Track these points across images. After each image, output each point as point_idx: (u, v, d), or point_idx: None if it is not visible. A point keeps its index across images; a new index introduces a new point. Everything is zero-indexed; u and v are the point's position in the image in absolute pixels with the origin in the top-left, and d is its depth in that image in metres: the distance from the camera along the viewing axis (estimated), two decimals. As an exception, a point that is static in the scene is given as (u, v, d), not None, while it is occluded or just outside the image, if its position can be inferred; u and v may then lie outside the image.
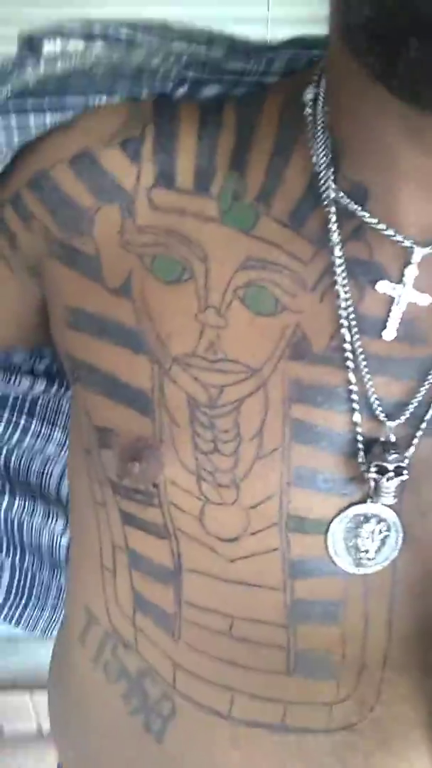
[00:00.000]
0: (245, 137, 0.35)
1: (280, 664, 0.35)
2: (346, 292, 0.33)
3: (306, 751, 0.35)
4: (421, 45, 0.24)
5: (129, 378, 0.35)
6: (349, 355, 0.33)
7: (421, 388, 0.34)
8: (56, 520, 0.54)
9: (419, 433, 0.34)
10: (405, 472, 0.33)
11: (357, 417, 0.34)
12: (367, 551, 0.34)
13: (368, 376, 0.34)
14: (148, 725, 0.38)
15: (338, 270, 0.33)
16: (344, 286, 0.33)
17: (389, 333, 0.34)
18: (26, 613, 0.55)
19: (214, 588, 0.35)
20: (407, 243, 0.32)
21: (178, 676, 0.37)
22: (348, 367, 0.33)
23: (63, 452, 0.53)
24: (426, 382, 0.34)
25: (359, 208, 0.33)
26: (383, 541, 0.34)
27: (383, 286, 0.33)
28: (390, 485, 0.33)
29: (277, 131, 0.35)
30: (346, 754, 0.35)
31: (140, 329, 0.35)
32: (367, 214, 0.32)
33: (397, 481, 0.33)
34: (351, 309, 0.33)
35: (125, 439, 0.35)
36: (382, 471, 0.33)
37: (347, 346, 0.33)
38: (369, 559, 0.34)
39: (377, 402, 0.34)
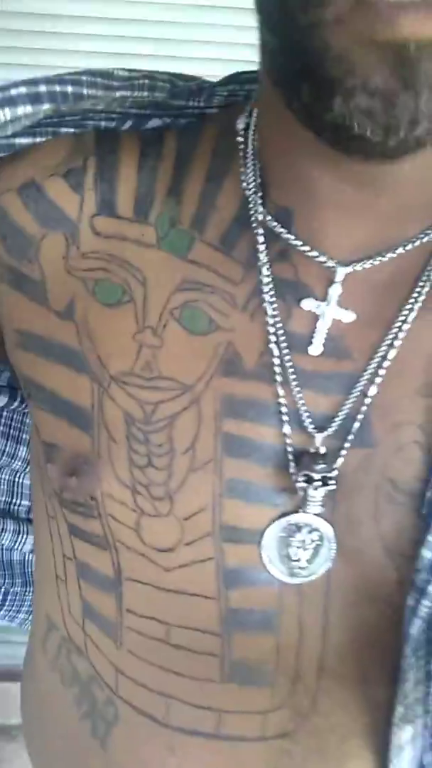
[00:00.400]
0: (182, 166, 0.37)
1: (214, 672, 0.36)
2: (274, 311, 0.35)
3: (241, 759, 0.36)
4: (310, 90, 0.27)
5: (71, 396, 0.37)
6: (278, 370, 0.35)
7: (348, 402, 0.35)
8: (26, 539, 0.56)
9: (347, 445, 0.35)
10: (332, 481, 0.34)
11: (287, 429, 0.35)
12: (298, 560, 0.35)
13: (297, 390, 0.35)
14: (94, 730, 0.39)
15: (266, 289, 0.35)
16: (272, 304, 0.35)
17: (315, 348, 0.35)
18: (1, 613, 0.57)
19: (152, 596, 0.37)
20: (330, 263, 0.34)
21: (121, 682, 0.38)
22: (277, 382, 0.35)
23: (29, 468, 0.55)
24: (352, 396, 0.35)
25: (285, 231, 0.34)
26: (316, 551, 0.35)
27: (308, 304, 0.35)
28: (316, 494, 0.34)
29: (210, 159, 0.37)
30: (281, 762, 0.36)
31: (82, 350, 0.37)
32: (292, 237, 0.34)
33: (323, 490, 0.34)
34: (279, 326, 0.35)
35: (66, 454, 0.37)
36: (310, 481, 0.34)
37: (276, 361, 0.35)
38: (301, 568, 0.35)
39: (306, 415, 0.35)
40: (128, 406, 0.36)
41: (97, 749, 0.39)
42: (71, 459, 0.36)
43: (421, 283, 0.35)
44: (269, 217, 0.35)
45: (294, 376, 0.35)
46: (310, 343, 0.35)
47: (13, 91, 0.35)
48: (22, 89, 0.35)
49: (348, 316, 0.35)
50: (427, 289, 0.35)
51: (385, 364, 0.35)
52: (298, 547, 0.35)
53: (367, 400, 0.35)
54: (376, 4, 0.23)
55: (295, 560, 0.35)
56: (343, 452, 0.35)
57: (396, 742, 0.36)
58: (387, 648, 0.36)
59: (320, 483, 0.34)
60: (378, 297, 0.35)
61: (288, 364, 0.35)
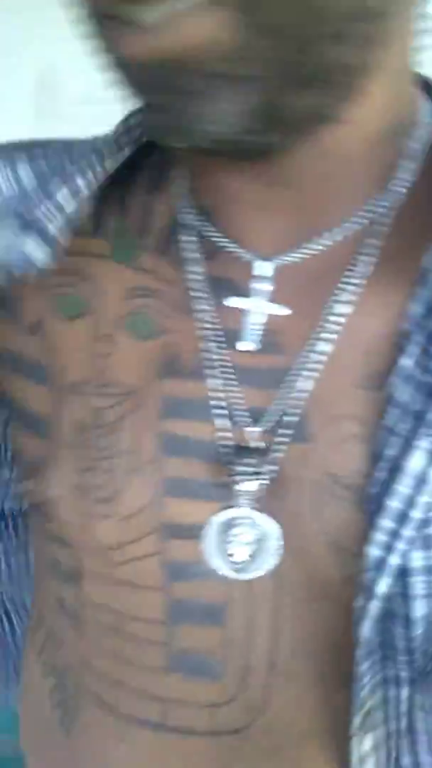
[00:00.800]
0: (130, 177, 0.39)
1: (159, 661, 0.37)
2: (208, 309, 0.36)
3: (189, 752, 0.36)
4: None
5: (34, 406, 0.40)
6: (214, 367, 0.36)
7: (283, 396, 0.35)
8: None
9: (284, 440, 0.35)
10: (264, 476, 0.34)
11: (223, 426, 0.35)
12: (234, 555, 0.35)
13: (234, 386, 0.36)
14: (62, 719, 0.41)
15: (199, 288, 0.36)
16: (206, 303, 0.36)
17: (248, 344, 0.36)
18: None
19: (106, 588, 0.38)
20: (253, 258, 0.35)
21: (85, 672, 0.40)
22: (213, 379, 0.36)
23: None
24: (288, 390, 0.35)
25: (212, 231, 0.36)
26: (260, 547, 0.35)
27: (234, 301, 0.36)
28: (248, 489, 0.34)
29: (154, 168, 0.39)
30: (233, 759, 0.35)
31: (46, 363, 0.39)
32: (218, 236, 0.36)
33: (255, 485, 0.34)
34: (215, 324, 0.36)
35: (26, 460, 0.39)
36: (244, 476, 0.34)
37: (212, 359, 0.36)
38: (241, 563, 0.35)
39: (242, 411, 0.35)
40: (80, 413, 0.38)
41: (63, 738, 0.41)
42: (29, 464, 0.39)
43: (347, 273, 0.35)
44: (197, 219, 0.36)
45: (230, 373, 0.36)
46: (244, 339, 0.36)
47: (59, 197, 0.37)
48: (65, 191, 0.37)
49: (279, 310, 0.35)
50: (356, 279, 0.35)
51: (321, 357, 0.34)
52: (235, 543, 0.35)
53: (304, 395, 0.35)
54: (120, 34, 0.26)
55: (233, 555, 0.35)
56: (281, 447, 0.35)
57: (357, 752, 0.34)
58: (343, 649, 0.34)
59: (252, 478, 0.34)
60: (310, 290, 0.35)
61: (224, 362, 0.36)
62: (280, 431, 0.35)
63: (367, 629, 0.32)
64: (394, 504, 0.31)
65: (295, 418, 0.35)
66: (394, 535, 0.31)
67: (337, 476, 0.34)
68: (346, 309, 0.34)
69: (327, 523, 0.34)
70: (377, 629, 0.33)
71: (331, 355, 0.34)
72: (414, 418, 0.32)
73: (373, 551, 0.32)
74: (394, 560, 0.31)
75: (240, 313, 0.36)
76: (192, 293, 0.37)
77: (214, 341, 0.36)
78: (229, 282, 0.36)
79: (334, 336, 0.34)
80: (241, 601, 0.36)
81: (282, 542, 0.35)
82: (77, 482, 0.37)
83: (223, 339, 0.36)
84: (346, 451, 0.34)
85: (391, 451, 0.32)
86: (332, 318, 0.35)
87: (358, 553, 0.33)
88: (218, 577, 0.36)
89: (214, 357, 0.36)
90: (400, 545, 0.31)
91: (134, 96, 0.28)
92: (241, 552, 0.35)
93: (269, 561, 0.35)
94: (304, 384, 0.35)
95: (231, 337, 0.36)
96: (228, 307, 0.36)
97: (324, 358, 0.34)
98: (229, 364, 0.36)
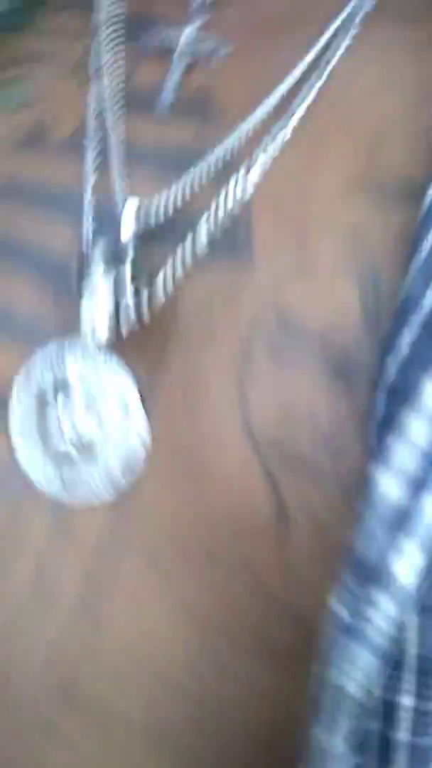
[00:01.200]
0: None
1: None
2: (116, 62, 0.22)
3: None
4: None
5: None
6: (97, 140, 0.21)
7: (184, 189, 0.20)
8: None
9: (179, 257, 0.19)
10: (143, 311, 0.18)
11: (88, 225, 0.20)
12: (57, 444, 0.18)
13: (122, 167, 0.21)
14: None
15: (107, 34, 0.23)
16: (118, 52, 0.22)
17: (164, 103, 0.21)
18: None
19: None
20: None
21: None
22: (88, 158, 0.21)
23: None
24: (211, 178, 0.20)
25: None
26: (104, 432, 0.18)
27: (156, 38, 0.22)
28: (104, 326, 0.18)
29: None
30: None
31: None
32: None
33: (122, 319, 0.18)
34: (120, 83, 0.22)
35: None
36: (99, 304, 0.19)
37: (95, 131, 0.21)
38: (64, 466, 0.18)
39: (128, 204, 0.20)
40: None
41: None
42: None
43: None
44: None
45: (120, 149, 0.21)
46: (157, 98, 0.21)
47: None
48: None
49: (219, 50, 0.21)
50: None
51: (286, 129, 0.19)
52: (59, 425, 0.18)
53: (247, 188, 0.19)
54: None
55: (53, 440, 0.18)
56: (181, 265, 0.19)
57: None
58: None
59: (119, 310, 0.18)
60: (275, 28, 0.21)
61: (116, 133, 0.21)
62: (177, 243, 0.19)
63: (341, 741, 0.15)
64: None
65: (221, 223, 0.19)
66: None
67: (302, 326, 0.17)
68: (338, 52, 0.20)
69: (259, 407, 0.17)
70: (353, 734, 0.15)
71: (303, 128, 0.19)
72: None
73: (390, 486, 0.14)
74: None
75: (161, 63, 0.22)
76: (97, 45, 0.23)
77: (114, 105, 0.22)
78: (152, 17, 0.22)
79: (311, 97, 0.19)
80: (43, 547, 0.19)
81: (149, 443, 0.18)
82: None
83: (127, 101, 0.22)
84: (329, 298, 0.17)
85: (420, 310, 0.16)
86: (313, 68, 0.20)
87: (345, 481, 0.16)
88: (19, 492, 0.19)
89: (105, 125, 0.21)
90: None
91: None
92: (64, 434, 0.18)
93: (117, 479, 0.18)
94: (250, 171, 0.19)
95: (139, 97, 0.22)
96: (145, 58, 0.22)
97: (290, 129, 0.19)
98: (121, 137, 0.21)
